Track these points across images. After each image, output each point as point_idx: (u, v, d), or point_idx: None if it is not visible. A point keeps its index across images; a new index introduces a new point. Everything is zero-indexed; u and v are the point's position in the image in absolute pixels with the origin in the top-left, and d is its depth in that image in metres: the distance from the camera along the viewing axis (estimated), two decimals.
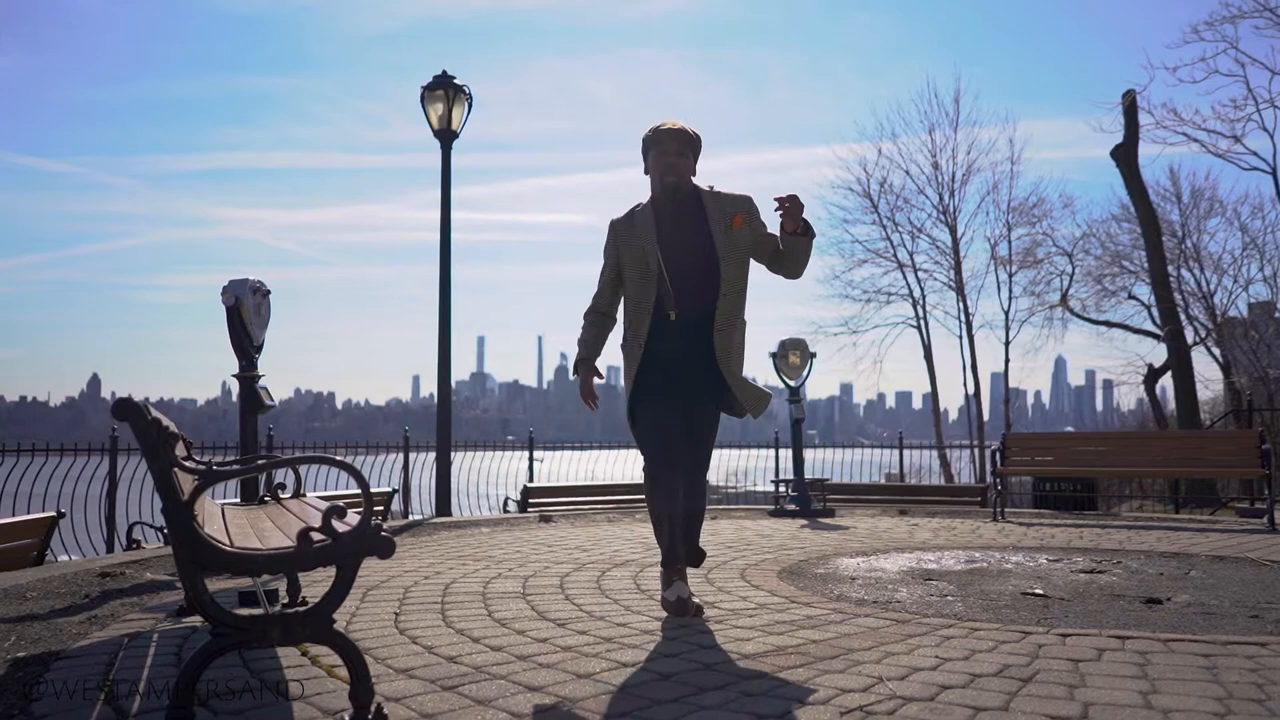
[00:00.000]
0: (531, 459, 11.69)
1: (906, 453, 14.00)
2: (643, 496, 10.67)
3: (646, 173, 3.74)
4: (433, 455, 9.11)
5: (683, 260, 3.61)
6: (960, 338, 21.38)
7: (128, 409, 2.16)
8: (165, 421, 2.40)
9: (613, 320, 3.85)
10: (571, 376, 3.93)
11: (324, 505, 2.38)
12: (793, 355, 9.04)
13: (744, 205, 3.68)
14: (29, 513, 6.26)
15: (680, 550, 3.61)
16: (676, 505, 3.57)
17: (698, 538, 3.79)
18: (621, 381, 3.84)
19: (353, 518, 2.25)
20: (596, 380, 3.80)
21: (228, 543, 2.23)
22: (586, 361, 3.77)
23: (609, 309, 3.84)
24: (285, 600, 3.65)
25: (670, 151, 3.65)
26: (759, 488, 13.96)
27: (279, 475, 4.14)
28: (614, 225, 3.77)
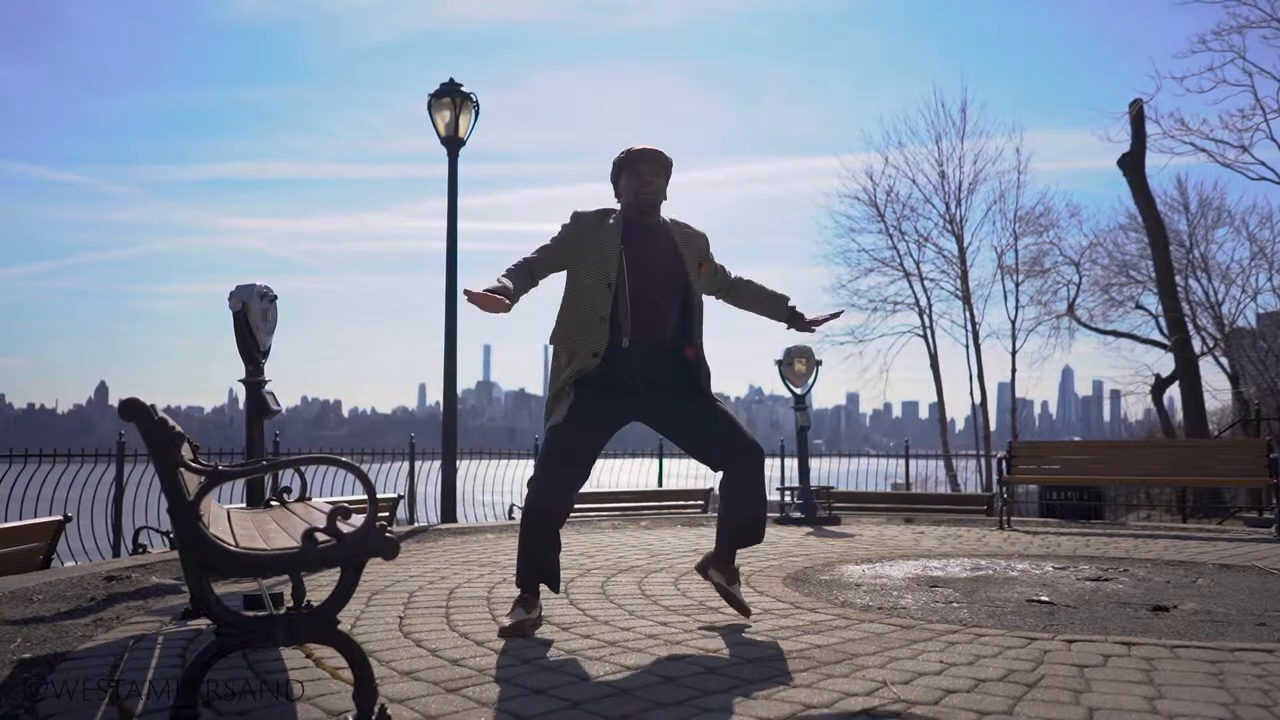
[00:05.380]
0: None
1: (912, 462, 13.96)
2: (647, 503, 10.56)
3: (617, 195, 3.65)
4: (438, 463, 9.12)
5: (648, 286, 3.49)
6: (967, 347, 21.37)
7: (134, 409, 2.17)
8: (171, 422, 2.42)
9: (534, 283, 3.51)
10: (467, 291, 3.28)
11: (330, 509, 2.39)
12: (798, 363, 9.04)
13: (705, 247, 3.72)
14: (36, 517, 6.27)
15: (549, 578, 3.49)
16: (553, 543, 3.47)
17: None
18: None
19: (358, 520, 2.26)
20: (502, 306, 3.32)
21: (233, 543, 2.24)
22: (502, 289, 3.32)
23: (537, 272, 3.51)
24: (290, 604, 3.66)
25: (645, 173, 3.56)
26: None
27: (285, 479, 4.15)
28: (580, 216, 3.59)
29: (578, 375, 3.45)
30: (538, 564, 3.47)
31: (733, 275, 3.91)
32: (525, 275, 3.48)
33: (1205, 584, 4.71)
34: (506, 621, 3.33)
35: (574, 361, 3.46)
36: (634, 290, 3.47)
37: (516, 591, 4.02)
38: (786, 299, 3.91)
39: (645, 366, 3.48)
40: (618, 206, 3.67)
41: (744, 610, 3.57)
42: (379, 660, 2.87)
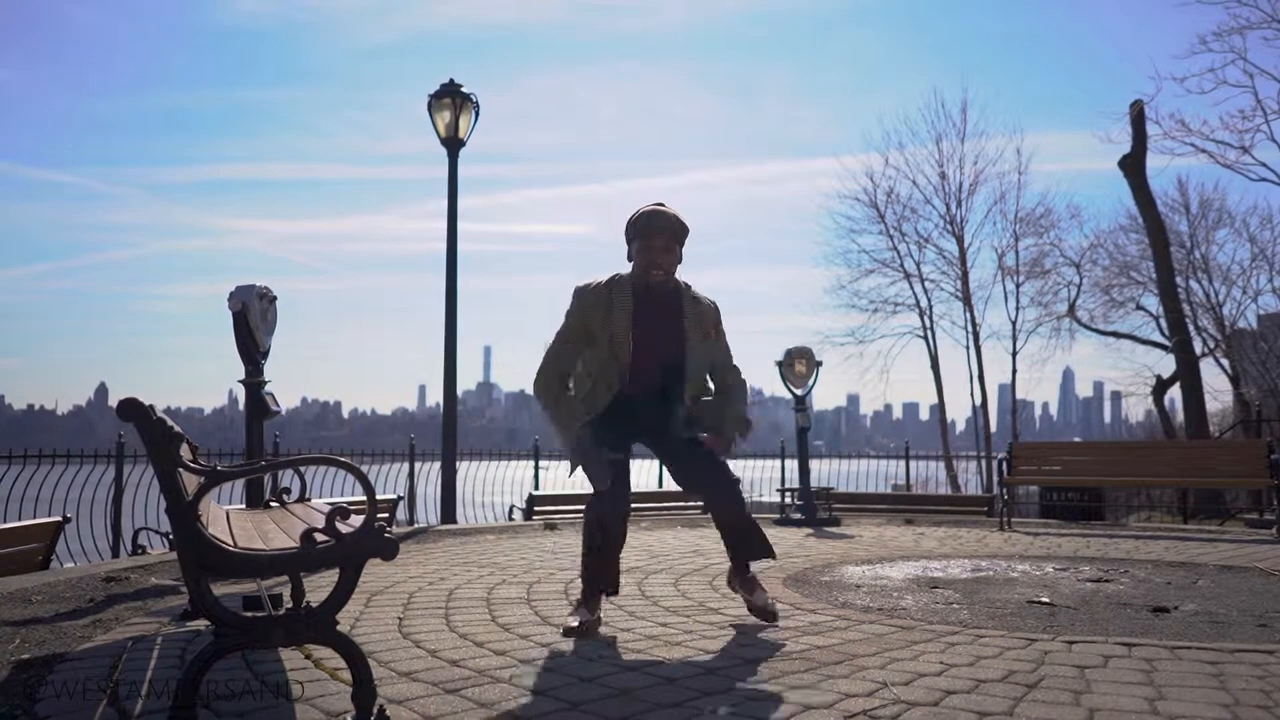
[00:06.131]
0: (537, 467, 11.69)
1: (913, 463, 13.95)
2: (647, 504, 10.55)
3: (629, 258, 3.56)
4: (438, 464, 9.11)
5: (648, 353, 3.50)
6: (967, 348, 21.35)
7: (133, 409, 2.16)
8: (170, 423, 2.41)
9: (572, 377, 3.62)
10: (570, 476, 3.56)
11: (329, 510, 2.38)
12: (799, 364, 9.03)
13: (714, 319, 3.67)
14: (35, 518, 6.26)
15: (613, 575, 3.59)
16: (616, 538, 3.54)
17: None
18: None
19: (357, 521, 2.25)
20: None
21: (232, 544, 2.24)
22: (585, 444, 3.48)
23: (567, 374, 3.60)
24: (289, 605, 3.65)
25: (657, 248, 3.46)
26: (765, 497, 13.95)
27: (284, 480, 4.14)
28: (584, 295, 3.53)
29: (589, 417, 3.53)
30: (604, 569, 3.53)
31: (730, 374, 3.75)
32: (564, 394, 3.57)
33: (1206, 585, 4.70)
34: (573, 621, 3.36)
35: (583, 405, 3.54)
36: (635, 356, 3.49)
37: (511, 593, 4.05)
38: (725, 421, 3.71)
39: (638, 409, 3.54)
40: (625, 270, 3.61)
41: (769, 616, 3.53)
42: (378, 661, 2.86)
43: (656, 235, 3.46)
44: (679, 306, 3.57)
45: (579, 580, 3.62)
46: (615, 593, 3.61)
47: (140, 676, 2.72)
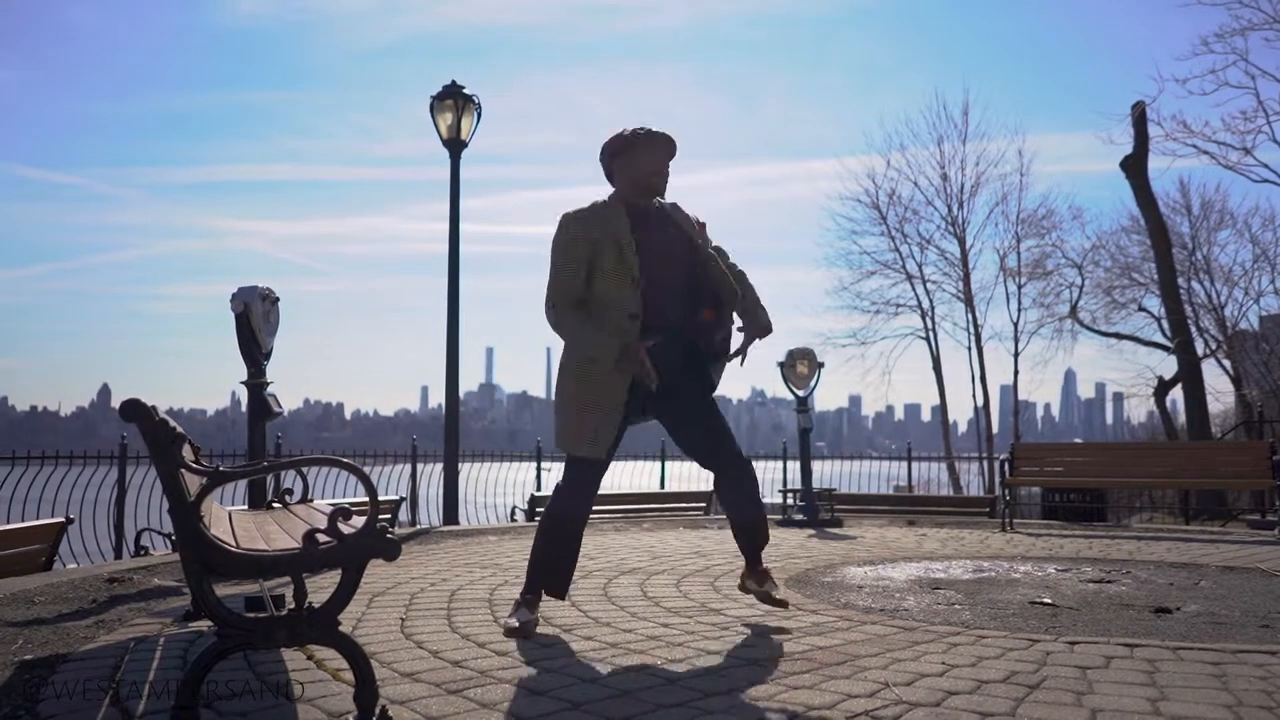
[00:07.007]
0: (539, 468, 11.69)
1: (915, 464, 13.95)
2: (649, 505, 10.52)
3: (610, 177, 3.48)
4: (440, 465, 9.11)
5: (663, 268, 3.37)
6: (969, 349, 21.34)
7: (135, 410, 2.17)
8: (172, 423, 2.41)
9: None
10: (615, 364, 3.27)
11: (331, 510, 2.39)
12: (800, 365, 9.03)
13: (697, 225, 3.56)
14: (38, 519, 6.27)
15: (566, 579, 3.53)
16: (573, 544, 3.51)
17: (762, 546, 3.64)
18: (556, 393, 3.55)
19: (359, 522, 2.26)
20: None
21: (234, 544, 2.24)
22: (628, 347, 3.26)
23: (584, 300, 3.39)
24: (291, 606, 3.65)
25: (661, 157, 3.41)
26: (767, 498, 13.95)
27: (286, 481, 4.15)
28: (576, 219, 3.39)
29: (596, 377, 3.36)
30: (551, 567, 3.50)
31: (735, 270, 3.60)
32: (584, 314, 3.38)
33: (1208, 586, 4.70)
34: (514, 622, 3.34)
35: (599, 363, 3.34)
36: (650, 276, 3.36)
37: (513, 594, 4.03)
38: (747, 316, 3.53)
39: (664, 354, 3.35)
40: (603, 197, 3.51)
41: (781, 604, 3.57)
42: (380, 662, 2.87)
43: (659, 149, 3.41)
44: (666, 214, 3.47)
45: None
46: (562, 597, 3.54)
47: (143, 677, 2.72)
